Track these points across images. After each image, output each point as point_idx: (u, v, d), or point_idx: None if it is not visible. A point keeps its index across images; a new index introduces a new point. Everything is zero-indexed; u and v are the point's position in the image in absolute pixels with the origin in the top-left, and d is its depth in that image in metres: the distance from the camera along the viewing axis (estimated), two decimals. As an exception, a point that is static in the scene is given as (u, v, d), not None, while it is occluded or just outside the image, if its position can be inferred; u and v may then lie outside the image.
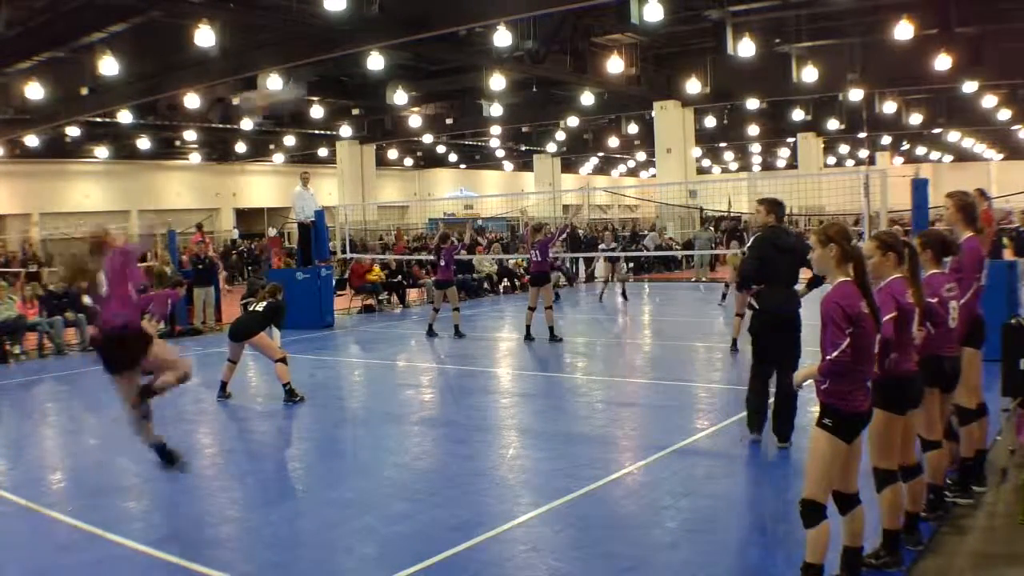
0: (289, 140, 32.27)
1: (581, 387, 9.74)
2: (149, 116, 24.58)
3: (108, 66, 16.48)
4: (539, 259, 12.57)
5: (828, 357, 3.69)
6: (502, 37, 16.65)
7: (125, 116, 23.24)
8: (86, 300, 14.41)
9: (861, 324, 3.71)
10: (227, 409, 9.09)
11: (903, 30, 17.29)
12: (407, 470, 6.63)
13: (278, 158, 36.78)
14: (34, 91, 18.71)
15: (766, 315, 6.30)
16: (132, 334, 5.27)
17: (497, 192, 44.38)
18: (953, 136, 37.16)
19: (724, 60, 20.59)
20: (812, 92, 24.06)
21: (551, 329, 12.40)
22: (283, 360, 9.03)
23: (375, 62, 18.39)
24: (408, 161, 42.03)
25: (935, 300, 4.56)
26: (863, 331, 3.73)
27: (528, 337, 12.57)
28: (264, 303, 9.21)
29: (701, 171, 43.45)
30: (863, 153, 42.33)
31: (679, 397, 9.02)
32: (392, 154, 38.74)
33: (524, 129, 34.64)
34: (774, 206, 6.57)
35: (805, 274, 5.84)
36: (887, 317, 4.01)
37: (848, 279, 3.80)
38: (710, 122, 29.80)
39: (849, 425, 3.79)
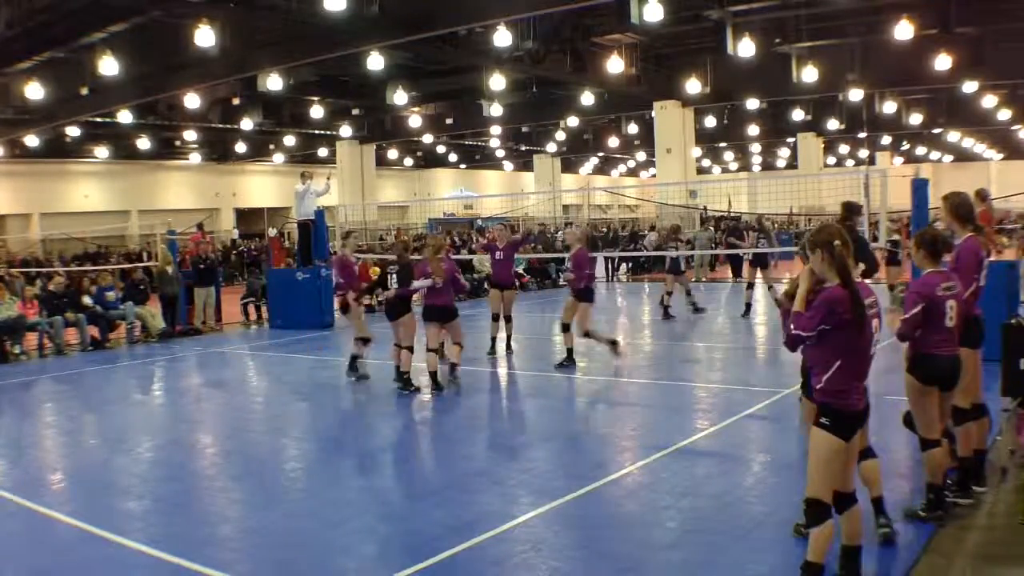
0: (289, 140, 32.25)
1: (581, 387, 9.74)
2: (149, 116, 24.59)
3: (108, 66, 16.47)
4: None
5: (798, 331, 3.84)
6: (502, 37, 16.64)
7: (125, 116, 23.24)
8: (86, 300, 14.45)
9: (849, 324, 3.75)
10: (227, 409, 9.09)
11: (903, 30, 17.27)
12: (407, 470, 6.63)
13: (278, 158, 36.76)
14: (34, 91, 18.70)
15: None
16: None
17: (497, 192, 44.40)
18: (953, 136, 37.18)
19: (724, 60, 20.57)
20: (812, 92, 24.05)
21: (493, 340, 11.83)
22: (408, 348, 9.14)
23: (375, 62, 18.38)
24: (408, 161, 42.02)
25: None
26: (856, 331, 3.76)
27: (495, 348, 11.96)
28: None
29: (701, 171, 43.45)
30: (863, 153, 42.33)
31: (679, 397, 9.02)
32: (392, 154, 38.73)
33: (524, 129, 34.64)
34: (843, 210, 8.14)
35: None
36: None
37: (839, 283, 3.81)
38: (710, 122, 29.79)
39: (846, 423, 3.82)
